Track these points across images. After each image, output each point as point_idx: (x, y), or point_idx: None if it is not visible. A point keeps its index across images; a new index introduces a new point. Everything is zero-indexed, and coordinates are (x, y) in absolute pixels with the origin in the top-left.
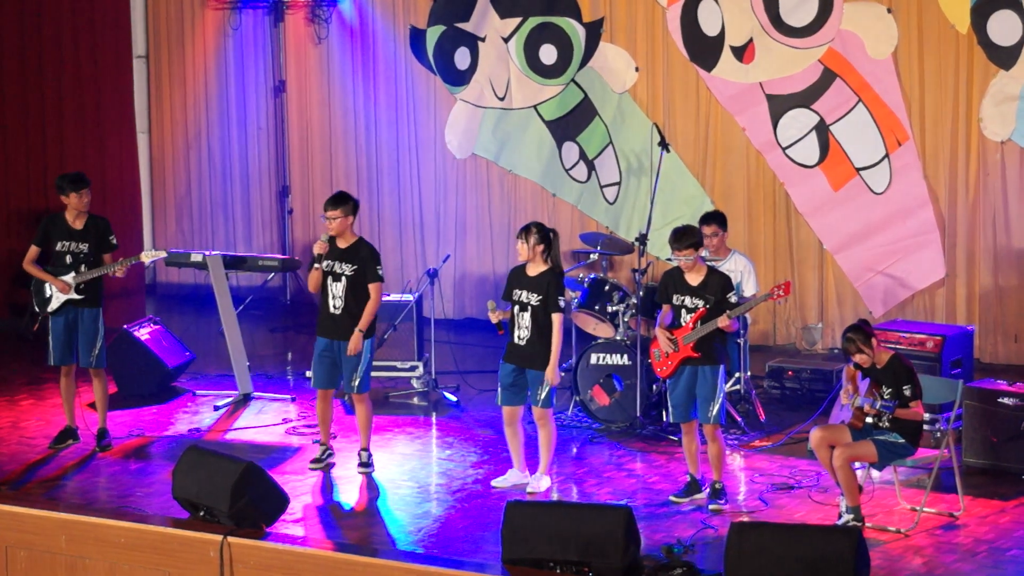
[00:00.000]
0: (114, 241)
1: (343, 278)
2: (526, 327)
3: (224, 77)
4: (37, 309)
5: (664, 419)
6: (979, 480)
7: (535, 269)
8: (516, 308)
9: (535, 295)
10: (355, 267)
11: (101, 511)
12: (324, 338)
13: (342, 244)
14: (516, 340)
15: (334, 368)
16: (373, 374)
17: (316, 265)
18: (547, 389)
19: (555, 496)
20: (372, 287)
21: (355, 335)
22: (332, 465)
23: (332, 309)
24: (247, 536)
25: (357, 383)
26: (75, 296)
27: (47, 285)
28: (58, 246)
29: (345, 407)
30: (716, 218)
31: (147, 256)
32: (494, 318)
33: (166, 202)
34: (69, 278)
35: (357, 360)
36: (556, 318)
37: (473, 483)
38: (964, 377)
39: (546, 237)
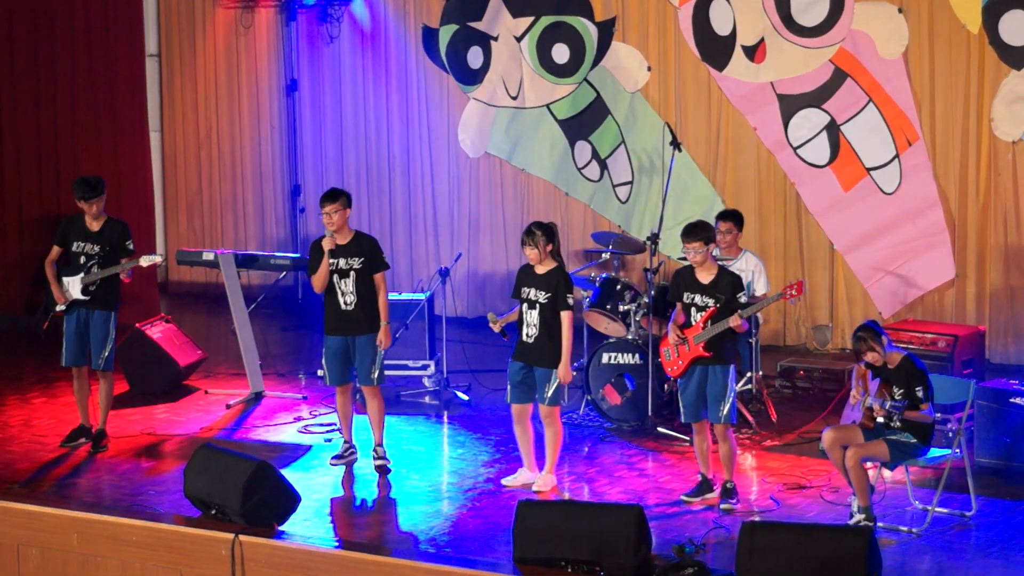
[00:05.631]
0: (131, 246)
1: (352, 272)
2: (534, 325)
3: (236, 76)
4: (48, 308)
5: (676, 418)
6: (991, 480)
7: (544, 267)
8: (525, 306)
9: (544, 293)
10: (363, 259)
11: (113, 509)
12: (338, 336)
13: (342, 239)
14: (524, 338)
15: (349, 363)
16: (385, 373)
17: (331, 260)
18: (554, 387)
19: (566, 495)
20: (381, 276)
21: (383, 328)
22: (354, 461)
23: (344, 306)
24: (258, 535)
25: (377, 374)
26: (82, 297)
27: (60, 285)
28: (74, 247)
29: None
30: (732, 216)
31: (145, 260)
32: (496, 327)
33: (178, 200)
34: (78, 278)
35: (375, 352)
36: (565, 316)
37: (485, 482)
38: (976, 377)
39: (551, 235)
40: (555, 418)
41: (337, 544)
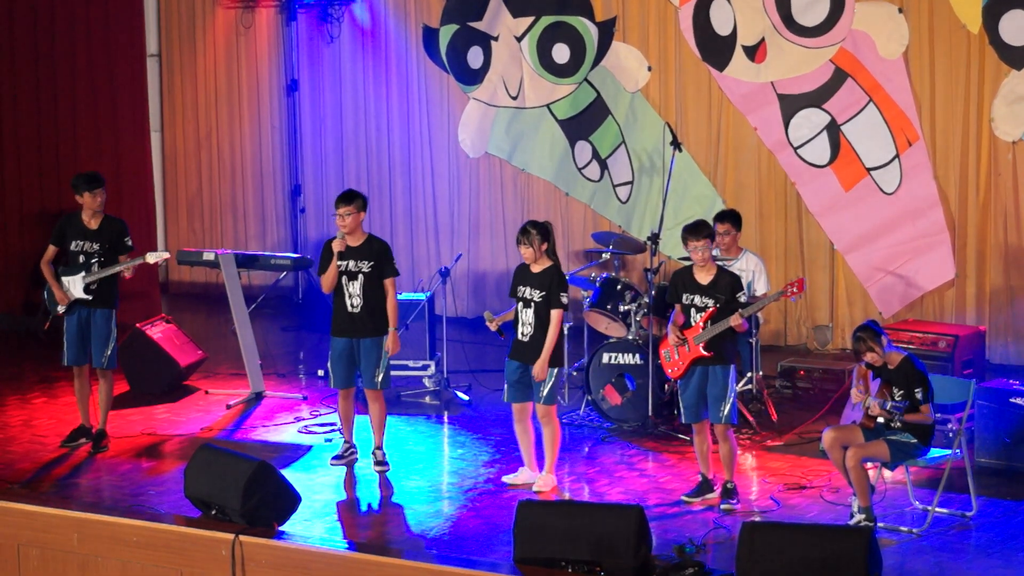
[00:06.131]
0: (129, 243)
1: (360, 275)
2: (530, 323)
3: (236, 76)
4: (48, 309)
5: (676, 418)
6: (991, 480)
7: (539, 266)
8: (520, 305)
9: (538, 292)
10: (372, 263)
11: (113, 510)
12: (343, 338)
13: (354, 242)
14: (520, 337)
15: (354, 366)
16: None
17: (339, 263)
18: (550, 386)
19: (566, 495)
20: (390, 282)
21: (392, 334)
22: (354, 462)
23: (350, 308)
24: (259, 535)
25: (381, 378)
26: (84, 296)
27: (59, 285)
28: (72, 245)
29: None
30: (730, 217)
31: (152, 257)
32: (493, 326)
33: (178, 200)
34: (79, 277)
35: (379, 355)
36: (555, 314)
37: (485, 482)
38: (976, 377)
39: (547, 234)
40: (552, 417)
41: (337, 544)
